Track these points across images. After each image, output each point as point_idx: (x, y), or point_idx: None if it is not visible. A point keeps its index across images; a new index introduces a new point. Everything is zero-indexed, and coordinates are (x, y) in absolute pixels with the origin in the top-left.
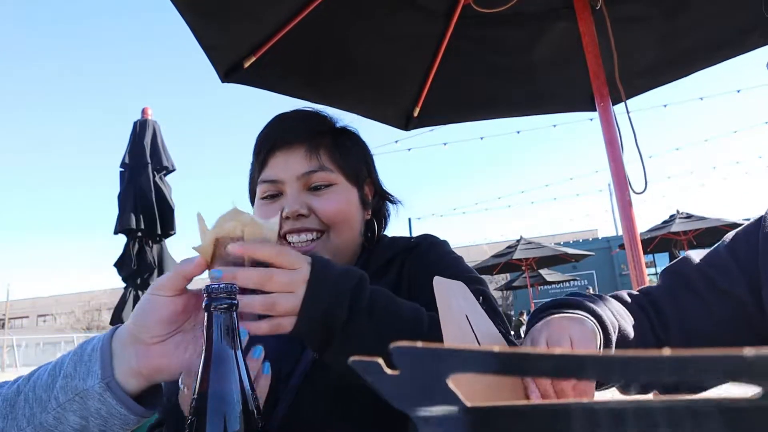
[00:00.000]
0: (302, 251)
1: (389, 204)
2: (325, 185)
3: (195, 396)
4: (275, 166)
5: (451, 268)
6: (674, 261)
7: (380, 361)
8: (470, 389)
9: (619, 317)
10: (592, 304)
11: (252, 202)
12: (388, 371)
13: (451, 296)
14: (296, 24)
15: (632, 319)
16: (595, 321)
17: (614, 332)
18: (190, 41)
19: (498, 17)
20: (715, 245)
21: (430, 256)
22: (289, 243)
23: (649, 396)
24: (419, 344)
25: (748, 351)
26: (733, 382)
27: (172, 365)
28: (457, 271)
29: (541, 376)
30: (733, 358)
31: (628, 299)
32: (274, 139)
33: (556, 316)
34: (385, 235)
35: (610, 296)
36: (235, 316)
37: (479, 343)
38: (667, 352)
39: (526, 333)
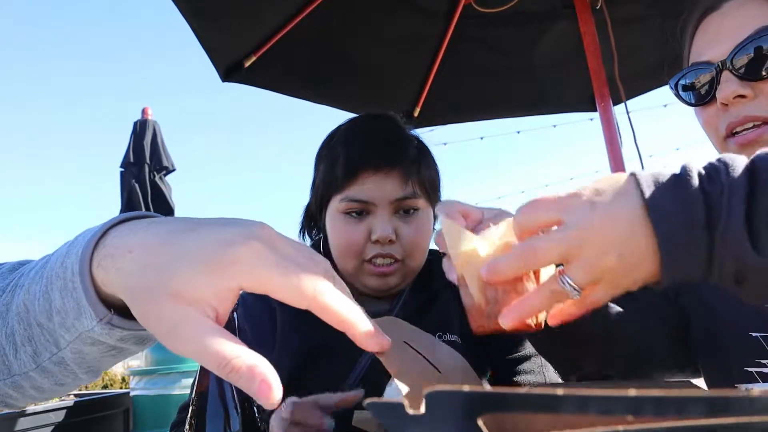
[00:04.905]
0: (379, 272)
1: None
2: (413, 210)
3: (194, 396)
4: (369, 185)
5: None
6: None
7: (404, 401)
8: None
9: None
10: None
11: (318, 208)
12: (411, 412)
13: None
14: (296, 24)
15: None
16: None
17: None
18: (190, 41)
19: (498, 17)
20: None
21: None
22: (375, 266)
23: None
24: (466, 388)
25: (632, 392)
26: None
27: None
28: None
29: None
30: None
31: None
32: (371, 158)
33: None
34: (433, 250)
35: None
36: (235, 316)
37: (427, 359)
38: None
39: None
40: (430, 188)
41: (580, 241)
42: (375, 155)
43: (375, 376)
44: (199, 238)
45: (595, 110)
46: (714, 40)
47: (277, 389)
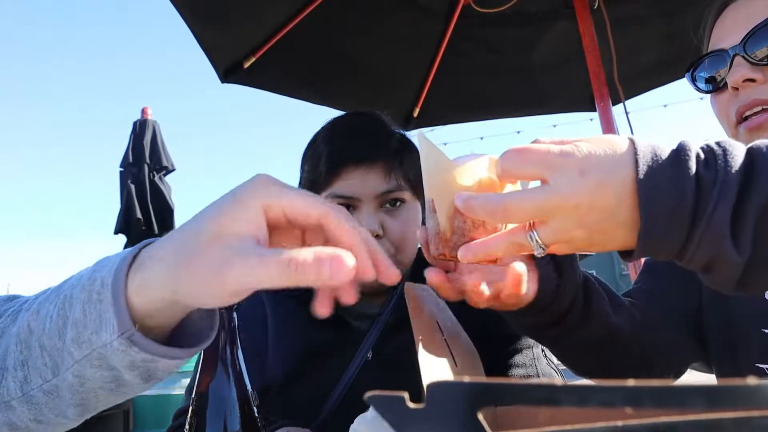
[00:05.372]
0: None
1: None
2: (399, 202)
3: (194, 396)
4: (352, 181)
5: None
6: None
7: (405, 395)
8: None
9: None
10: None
11: None
12: (411, 405)
13: (422, 301)
14: (296, 24)
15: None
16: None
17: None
18: (190, 41)
19: (498, 17)
20: None
21: None
22: None
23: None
24: (467, 379)
25: (631, 382)
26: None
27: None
28: None
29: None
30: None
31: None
32: (353, 153)
33: None
34: None
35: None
36: (234, 315)
37: (449, 349)
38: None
39: None
40: (416, 181)
41: (557, 207)
42: (356, 150)
43: (366, 379)
44: (216, 201)
45: (595, 110)
46: (730, 30)
47: (348, 259)
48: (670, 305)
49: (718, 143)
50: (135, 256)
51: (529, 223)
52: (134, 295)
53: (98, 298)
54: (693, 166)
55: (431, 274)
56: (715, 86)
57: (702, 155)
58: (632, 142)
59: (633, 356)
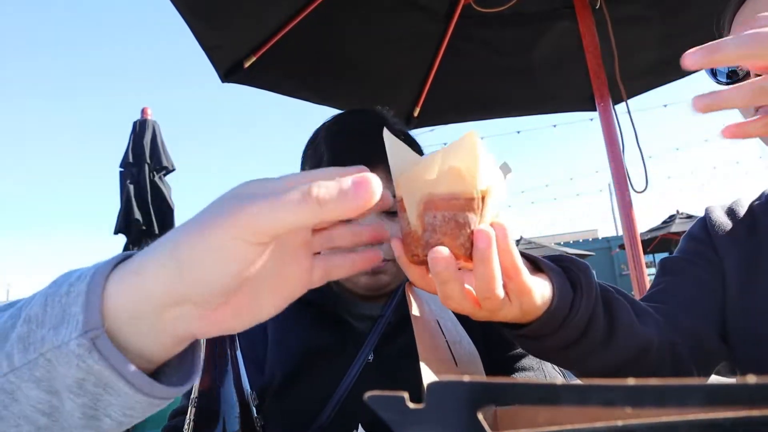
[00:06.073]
0: (371, 270)
1: None
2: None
3: (193, 396)
4: None
5: None
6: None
7: (405, 395)
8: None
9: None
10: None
11: None
12: (411, 405)
13: (423, 301)
14: (297, 24)
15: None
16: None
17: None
18: (191, 41)
19: (498, 17)
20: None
21: None
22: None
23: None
24: (467, 379)
25: (631, 381)
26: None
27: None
28: None
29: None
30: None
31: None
32: (354, 156)
33: None
34: None
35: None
36: None
37: (450, 350)
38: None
39: None
40: None
41: None
42: (358, 153)
43: (367, 381)
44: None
45: (595, 110)
46: (750, 21)
47: (372, 178)
48: (693, 302)
49: None
50: (129, 256)
51: None
52: (119, 284)
53: (68, 290)
54: None
55: (396, 242)
56: (734, 75)
57: None
58: None
59: (666, 365)
